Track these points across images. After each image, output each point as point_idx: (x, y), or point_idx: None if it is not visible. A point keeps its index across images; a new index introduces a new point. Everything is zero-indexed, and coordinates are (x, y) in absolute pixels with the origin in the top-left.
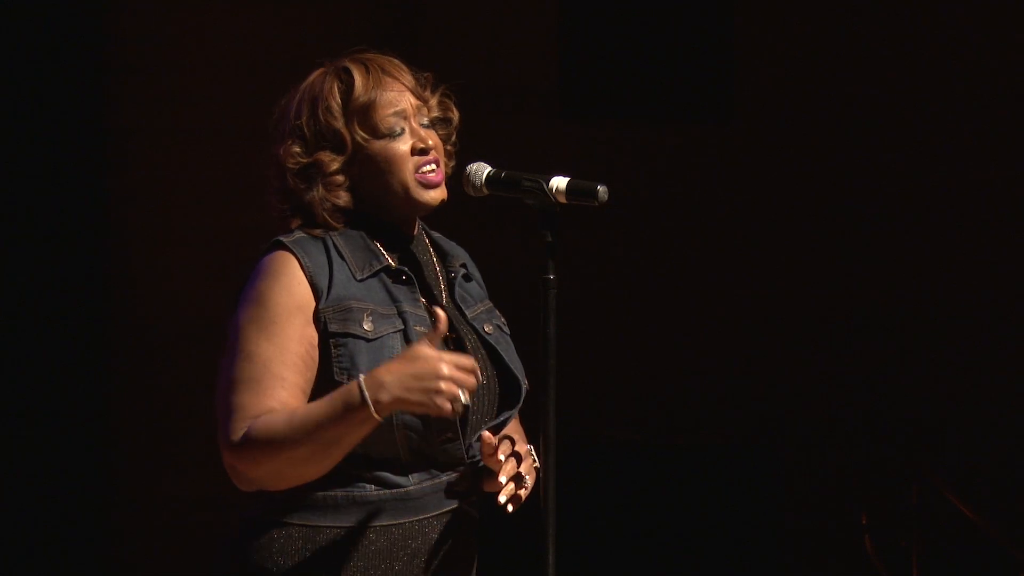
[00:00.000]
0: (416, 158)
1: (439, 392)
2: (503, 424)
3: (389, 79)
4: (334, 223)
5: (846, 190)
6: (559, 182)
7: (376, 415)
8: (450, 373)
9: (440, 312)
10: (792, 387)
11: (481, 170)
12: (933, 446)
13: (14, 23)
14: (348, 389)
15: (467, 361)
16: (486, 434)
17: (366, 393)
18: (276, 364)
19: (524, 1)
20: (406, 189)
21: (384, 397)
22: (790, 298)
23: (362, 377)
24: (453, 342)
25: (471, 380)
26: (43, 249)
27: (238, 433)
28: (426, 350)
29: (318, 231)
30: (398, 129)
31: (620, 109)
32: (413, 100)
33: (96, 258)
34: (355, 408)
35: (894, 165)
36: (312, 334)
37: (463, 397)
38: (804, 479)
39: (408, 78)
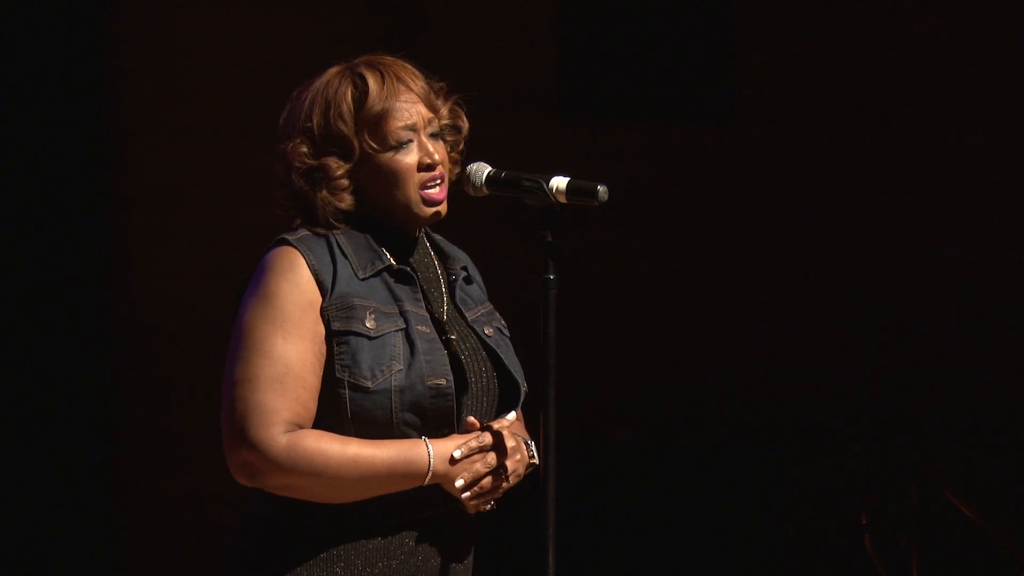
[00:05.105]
0: (421, 174)
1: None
2: None
3: (403, 88)
4: (336, 224)
5: (846, 190)
6: (559, 182)
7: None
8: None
9: (471, 419)
10: (792, 387)
11: (481, 170)
12: (933, 446)
13: (14, 23)
14: (418, 454)
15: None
16: (470, 419)
17: (429, 474)
18: (296, 364)
19: (524, 2)
20: (408, 203)
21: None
22: (790, 298)
23: (433, 451)
24: (454, 343)
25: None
26: (43, 249)
27: (278, 439)
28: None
29: (321, 229)
30: (407, 142)
31: (620, 109)
32: (424, 111)
33: (96, 258)
34: (415, 476)
35: (894, 165)
36: (322, 331)
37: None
38: (804, 479)
39: (421, 86)
